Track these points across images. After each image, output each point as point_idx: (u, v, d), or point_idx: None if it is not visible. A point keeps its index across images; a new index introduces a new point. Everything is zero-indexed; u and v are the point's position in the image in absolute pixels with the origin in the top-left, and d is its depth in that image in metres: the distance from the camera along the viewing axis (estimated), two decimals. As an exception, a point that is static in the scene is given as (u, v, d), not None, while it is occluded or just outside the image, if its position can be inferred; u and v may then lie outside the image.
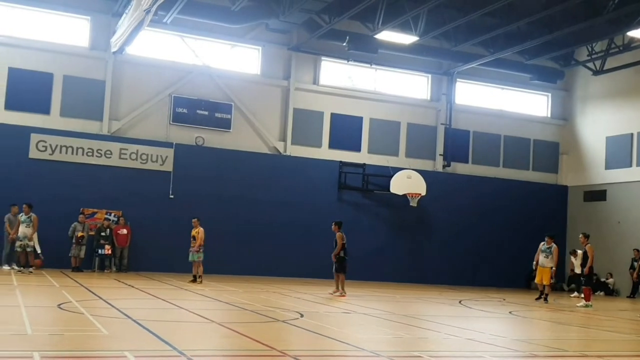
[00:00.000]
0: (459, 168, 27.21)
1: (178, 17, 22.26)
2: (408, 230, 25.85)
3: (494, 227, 26.69)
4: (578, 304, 18.31)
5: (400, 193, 24.97)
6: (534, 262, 19.33)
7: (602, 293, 25.36)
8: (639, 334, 12.86)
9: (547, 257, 18.98)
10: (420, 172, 25.51)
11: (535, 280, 19.64)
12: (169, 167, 23.02)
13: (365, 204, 25.59)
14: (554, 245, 19.03)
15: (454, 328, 11.76)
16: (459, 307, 16.72)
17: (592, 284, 19.61)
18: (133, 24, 18.48)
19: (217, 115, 23.93)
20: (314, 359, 7.51)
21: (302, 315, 11.90)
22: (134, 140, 22.80)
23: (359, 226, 24.91)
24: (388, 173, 25.30)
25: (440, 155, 26.92)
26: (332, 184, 25.11)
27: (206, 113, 23.76)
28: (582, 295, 18.52)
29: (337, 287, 17.28)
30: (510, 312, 15.78)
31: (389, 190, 25.04)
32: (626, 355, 9.80)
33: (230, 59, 24.63)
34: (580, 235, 19.26)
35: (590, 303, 18.05)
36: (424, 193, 25.06)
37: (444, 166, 26.90)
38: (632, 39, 23.54)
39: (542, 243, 19.25)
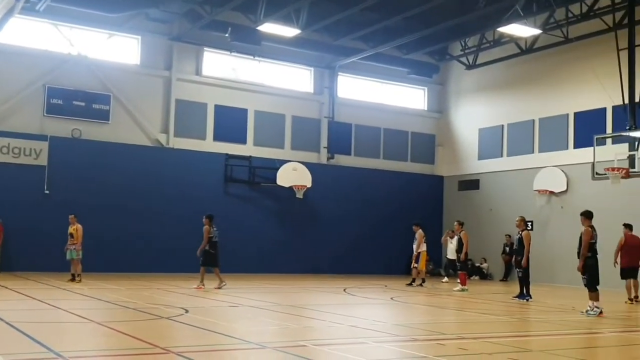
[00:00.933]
0: (342, 160, 27.73)
1: (52, 5, 21.23)
2: (295, 221, 26.05)
3: (376, 217, 27.42)
4: (454, 289, 19.18)
5: (287, 185, 25.15)
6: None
7: (477, 277, 26.69)
8: (511, 315, 13.65)
9: (414, 243, 20.39)
10: (306, 164, 25.79)
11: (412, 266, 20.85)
12: (43, 161, 21.94)
13: (252, 197, 25.56)
14: (420, 231, 20.36)
15: (338, 316, 12.02)
16: (344, 295, 17.09)
17: (467, 269, 20.65)
18: (3, 11, 17.39)
19: (95, 106, 23.06)
20: (199, 355, 7.43)
21: (187, 311, 11.75)
22: (5, 133, 21.54)
23: (246, 219, 24.90)
24: (274, 165, 25.38)
25: (324, 147, 27.31)
26: (218, 177, 24.86)
27: (83, 104, 22.84)
28: (459, 280, 19.42)
29: (202, 280, 17.17)
30: (391, 298, 16.31)
31: (275, 183, 25.14)
32: (500, 335, 10.38)
33: (108, 48, 23.79)
34: (455, 223, 20.32)
35: (466, 287, 18.99)
36: (309, 185, 25.38)
37: (328, 158, 27.32)
38: (501, 35, 24.81)
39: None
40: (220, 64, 25.79)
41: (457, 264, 20.20)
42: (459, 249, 19.78)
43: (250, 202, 25.44)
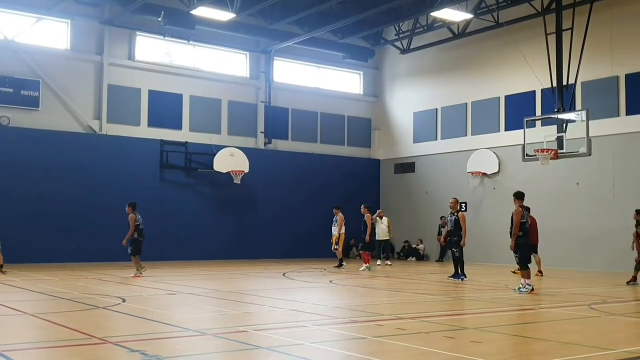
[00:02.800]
0: (280, 145, 27.70)
1: (-27, -14, 20.38)
2: (233, 207, 25.93)
3: (313, 201, 27.53)
4: (360, 268, 20.07)
5: (224, 171, 24.97)
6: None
7: (413, 258, 27.21)
8: (447, 295, 13.99)
9: (334, 225, 21.03)
10: (243, 149, 25.65)
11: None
12: (-31, 150, 21.14)
13: (189, 183, 25.28)
14: (340, 215, 20.89)
15: (277, 300, 12.08)
16: (283, 279, 17.15)
17: (372, 249, 21.28)
18: None
19: (24, 92, 22.30)
20: (137, 344, 7.35)
21: (124, 300, 11.59)
22: None
23: (183, 205, 24.63)
24: (211, 151, 25.15)
25: (261, 132, 27.21)
26: (154, 164, 24.46)
27: (11, 90, 22.04)
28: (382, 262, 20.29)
29: (137, 269, 17.00)
30: (330, 281, 16.47)
31: (212, 169, 24.92)
32: (437, 315, 10.64)
33: (37, 33, 23.00)
34: (362, 207, 21.03)
35: (370, 265, 20.05)
36: (247, 170, 25.26)
37: (265, 143, 27.24)
38: (434, 19, 25.16)
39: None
40: (153, 49, 25.29)
41: (359, 244, 20.89)
42: (371, 232, 20.82)
43: (187, 188, 25.17)
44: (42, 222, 21.78)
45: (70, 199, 22.46)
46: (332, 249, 21.33)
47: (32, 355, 7.03)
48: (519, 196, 14.13)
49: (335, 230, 21.07)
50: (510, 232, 13.93)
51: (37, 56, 22.69)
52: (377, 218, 22.38)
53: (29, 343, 7.74)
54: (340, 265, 20.95)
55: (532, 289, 13.56)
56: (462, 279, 16.58)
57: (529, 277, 13.74)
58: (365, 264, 20.18)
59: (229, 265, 21.84)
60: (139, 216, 17.07)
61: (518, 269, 14.55)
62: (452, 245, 16.91)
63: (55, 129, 22.64)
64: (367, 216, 20.67)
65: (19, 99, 22.19)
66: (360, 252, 20.32)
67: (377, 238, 22.20)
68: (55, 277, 16.64)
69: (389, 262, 22.96)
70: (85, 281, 15.71)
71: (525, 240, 13.84)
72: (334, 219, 21.14)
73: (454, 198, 17.39)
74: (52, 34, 23.35)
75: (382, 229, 22.29)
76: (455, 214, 16.75)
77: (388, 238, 23.02)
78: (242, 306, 11.53)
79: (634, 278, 16.26)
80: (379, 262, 22.56)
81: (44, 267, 19.69)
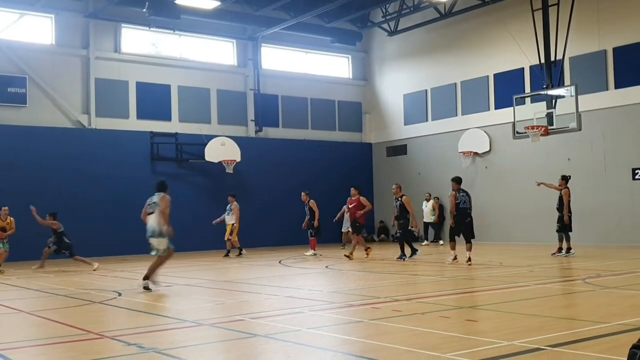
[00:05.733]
0: (271, 132, 27.62)
1: (-46, -16, 20.16)
2: (226, 196, 25.83)
3: (307, 187, 27.26)
4: (306, 253, 20.38)
5: (216, 161, 24.92)
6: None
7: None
8: (442, 275, 14.04)
9: (228, 214, 21.36)
10: (234, 138, 25.58)
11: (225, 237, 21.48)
12: (-43, 149, 21.00)
13: (181, 174, 25.21)
14: (235, 203, 21.32)
15: (274, 288, 12.10)
16: (279, 267, 17.18)
17: (318, 236, 20.79)
18: None
19: (10, 89, 22.13)
20: (134, 337, 7.35)
21: (120, 294, 11.58)
22: None
23: (176, 197, 24.29)
24: (202, 141, 25.06)
25: (251, 120, 27.12)
26: (145, 156, 24.38)
27: (-3, 88, 21.90)
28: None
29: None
30: (326, 267, 16.51)
31: (204, 159, 24.86)
32: (432, 295, 10.68)
33: (21, 29, 22.80)
34: (303, 194, 21.41)
35: (315, 252, 20.28)
36: (238, 159, 25.21)
37: (256, 131, 27.17)
38: (421, 0, 25.06)
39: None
40: (139, 40, 25.12)
41: (310, 230, 20.70)
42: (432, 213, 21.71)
43: (179, 179, 25.09)
44: (33, 219, 21.66)
45: (62, 194, 22.34)
46: (226, 238, 21.44)
47: (29, 352, 7.02)
48: (456, 180, 16.14)
49: (229, 220, 21.25)
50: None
51: (22, 52, 22.51)
52: (424, 200, 22.75)
53: (25, 341, 7.74)
54: (240, 254, 21.17)
55: (455, 258, 15.84)
56: (404, 259, 17.36)
57: (453, 248, 16.01)
58: (313, 249, 20.31)
59: (223, 255, 21.82)
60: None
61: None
62: (398, 227, 17.77)
63: (44, 125, 22.51)
64: (312, 202, 20.72)
65: (6, 96, 22.04)
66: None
67: (423, 220, 22.70)
68: (49, 273, 16.61)
69: (442, 242, 23.43)
70: (80, 276, 15.70)
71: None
72: (228, 207, 21.41)
73: (396, 184, 18.27)
74: (36, 30, 23.15)
75: (426, 212, 22.61)
76: (400, 198, 17.68)
77: (432, 220, 23.47)
78: (239, 295, 11.54)
79: None
80: (424, 243, 23.26)
81: (36, 264, 19.60)
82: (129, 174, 23.59)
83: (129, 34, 24.81)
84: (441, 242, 24.62)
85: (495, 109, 24.96)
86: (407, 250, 17.73)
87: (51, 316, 9.34)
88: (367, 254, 18.97)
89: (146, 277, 11.89)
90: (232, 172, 25.03)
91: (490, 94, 25.26)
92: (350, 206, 19.67)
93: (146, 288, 11.73)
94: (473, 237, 15.85)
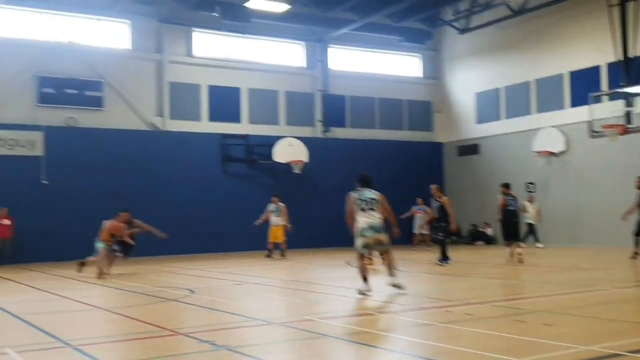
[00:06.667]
0: (338, 133, 27.63)
1: (36, -7, 21.03)
2: (294, 197, 25.96)
3: (375, 187, 27.32)
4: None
5: (284, 161, 25.12)
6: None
7: (481, 242, 26.74)
8: (516, 279, 13.70)
9: (277, 216, 20.59)
10: (301, 139, 25.73)
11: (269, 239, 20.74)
12: (39, 151, 21.85)
13: (250, 175, 25.54)
14: (282, 205, 20.58)
15: (343, 288, 12.07)
16: (347, 267, 17.13)
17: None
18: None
19: (88, 93, 22.93)
20: (206, 334, 7.46)
21: (192, 292, 11.80)
22: (-1, 125, 21.50)
23: (245, 197, 24.86)
24: (270, 142, 25.32)
25: (319, 121, 27.20)
26: (215, 157, 24.83)
27: (76, 92, 22.70)
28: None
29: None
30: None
31: (272, 159, 25.10)
32: (506, 299, 10.43)
33: (98, 34, 23.59)
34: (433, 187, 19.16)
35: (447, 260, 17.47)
36: (306, 159, 25.34)
37: (323, 132, 27.24)
38: (492, -2, 24.58)
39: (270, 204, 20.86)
40: (210, 44, 25.58)
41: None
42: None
43: (248, 180, 25.42)
44: (108, 218, 22.34)
45: (136, 194, 22.94)
46: (272, 240, 20.68)
47: (106, 348, 7.22)
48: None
49: (278, 221, 20.55)
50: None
51: (99, 57, 23.27)
52: (526, 202, 22.15)
53: (103, 337, 7.97)
54: (282, 255, 20.55)
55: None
56: (448, 263, 16.49)
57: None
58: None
59: (293, 255, 21.94)
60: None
61: None
62: (438, 230, 17.06)
63: (119, 128, 23.21)
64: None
65: (84, 100, 22.83)
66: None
67: (527, 221, 22.03)
68: (126, 271, 17.08)
69: (540, 245, 22.24)
70: (155, 274, 16.08)
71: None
72: (274, 207, 20.73)
73: (436, 185, 17.48)
74: (112, 35, 23.89)
75: (531, 214, 22.15)
76: (439, 200, 16.95)
77: (535, 222, 22.71)
78: (308, 295, 11.57)
79: None
80: (522, 244, 21.89)
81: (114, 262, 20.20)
82: (200, 174, 24.09)
83: (200, 38, 25.31)
84: (539, 244, 22.85)
85: (571, 107, 24.22)
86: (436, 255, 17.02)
87: (127, 313, 9.59)
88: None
89: (392, 275, 11.20)
90: (299, 172, 25.19)
91: (566, 92, 24.53)
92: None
93: (397, 285, 10.99)
94: (518, 239, 17.15)
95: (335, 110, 27.48)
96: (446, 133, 29.52)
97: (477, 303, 9.70)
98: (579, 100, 23.23)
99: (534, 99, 25.75)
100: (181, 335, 7.53)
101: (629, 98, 19.74)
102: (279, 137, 25.50)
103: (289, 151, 25.26)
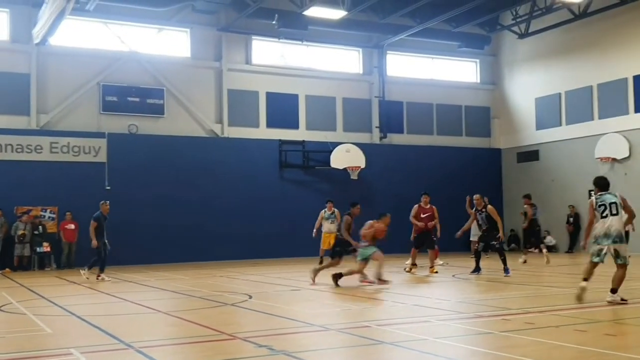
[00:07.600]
0: (395, 139, 27.52)
1: (101, 4, 21.67)
2: (350, 202, 25.96)
3: (433, 193, 26.97)
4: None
5: (341, 167, 25.18)
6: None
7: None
8: (577, 287, 13.33)
9: (332, 222, 19.26)
10: (359, 145, 25.74)
11: (323, 247, 19.33)
12: (102, 157, 22.52)
13: (307, 181, 25.68)
14: (336, 210, 19.22)
15: (400, 295, 12.01)
16: (405, 274, 17.04)
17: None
18: (54, 14, 17.91)
19: (149, 101, 23.50)
20: (264, 339, 7.54)
21: (250, 297, 11.93)
22: (64, 132, 22.20)
23: (302, 203, 24.97)
24: (327, 148, 25.41)
25: (376, 127, 27.16)
26: (273, 163, 25.07)
27: (137, 100, 23.30)
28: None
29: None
30: (453, 276, 16.19)
31: (329, 166, 25.19)
32: (567, 308, 10.18)
33: (159, 43, 24.16)
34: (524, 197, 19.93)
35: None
36: (363, 165, 25.33)
37: (380, 138, 27.18)
38: (553, 1, 24.11)
39: (324, 210, 19.62)
40: (269, 52, 25.88)
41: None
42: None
43: (305, 186, 25.56)
44: (170, 224, 22.83)
45: (197, 200, 23.43)
46: (326, 247, 18.84)
47: (167, 351, 7.36)
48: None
49: (333, 227, 18.94)
50: None
51: (160, 65, 23.82)
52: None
53: (163, 340, 8.14)
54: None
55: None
56: (479, 273, 15.80)
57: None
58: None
59: (349, 261, 21.90)
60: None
61: None
62: (491, 239, 16.03)
63: (180, 134, 23.70)
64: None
65: (146, 108, 23.40)
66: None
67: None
68: (185, 276, 17.40)
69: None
70: (214, 279, 16.32)
71: None
72: (329, 214, 19.44)
73: (478, 195, 16.49)
74: (173, 44, 24.43)
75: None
76: (484, 209, 16.08)
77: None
78: (364, 301, 11.55)
79: None
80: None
81: (174, 267, 20.64)
82: (258, 180, 24.38)
83: (259, 46, 25.62)
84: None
85: (635, 112, 23.52)
86: (475, 263, 16.34)
87: (187, 317, 9.77)
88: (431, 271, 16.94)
89: (614, 291, 10.36)
90: (356, 178, 25.18)
91: (629, 97, 23.83)
92: (422, 216, 17.90)
93: (622, 300, 10.20)
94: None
95: (392, 116, 27.39)
96: (505, 139, 29.04)
97: (537, 312, 9.51)
98: (644, 105, 22.55)
99: (596, 104, 25.10)
100: (239, 340, 7.63)
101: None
102: (336, 143, 25.55)
103: (346, 157, 25.29)
